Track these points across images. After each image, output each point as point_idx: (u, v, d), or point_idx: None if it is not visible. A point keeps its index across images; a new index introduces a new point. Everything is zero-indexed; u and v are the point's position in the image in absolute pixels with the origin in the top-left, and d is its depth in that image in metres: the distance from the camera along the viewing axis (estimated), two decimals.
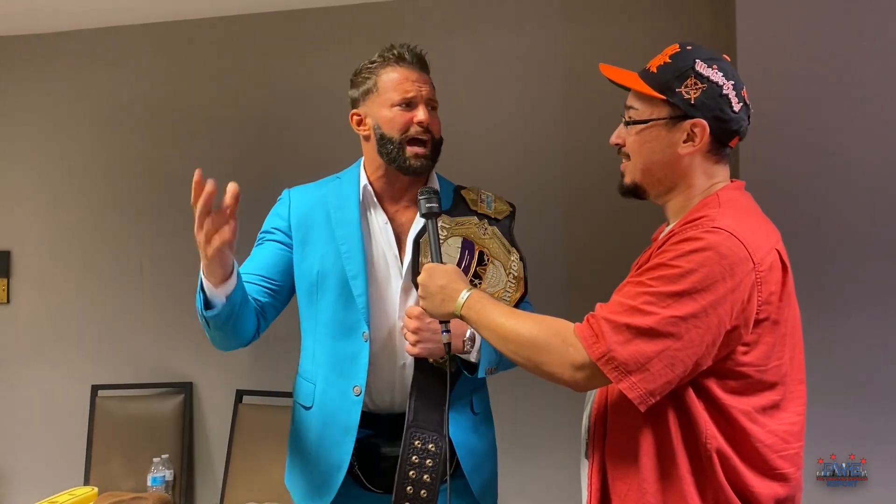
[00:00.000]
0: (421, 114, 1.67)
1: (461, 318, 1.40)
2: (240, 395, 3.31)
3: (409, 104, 1.68)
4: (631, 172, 1.38)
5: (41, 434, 3.53)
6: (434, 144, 1.71)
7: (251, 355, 3.26)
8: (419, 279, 1.48)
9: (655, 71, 1.32)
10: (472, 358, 1.63)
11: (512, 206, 1.79)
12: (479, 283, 1.66)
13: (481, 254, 1.68)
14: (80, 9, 3.28)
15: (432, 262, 1.52)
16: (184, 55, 3.45)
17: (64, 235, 3.55)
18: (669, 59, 1.31)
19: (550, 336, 1.26)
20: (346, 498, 1.70)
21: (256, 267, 1.73)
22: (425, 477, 1.60)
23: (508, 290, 1.68)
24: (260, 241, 1.79)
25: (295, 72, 3.33)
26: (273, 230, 1.77)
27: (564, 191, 3.06)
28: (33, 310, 3.57)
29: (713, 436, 1.23)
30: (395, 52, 1.71)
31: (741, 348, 1.23)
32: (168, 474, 3.18)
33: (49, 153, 3.57)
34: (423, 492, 1.60)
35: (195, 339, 3.34)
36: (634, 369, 1.18)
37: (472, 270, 1.67)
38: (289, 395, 1.91)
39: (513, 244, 1.74)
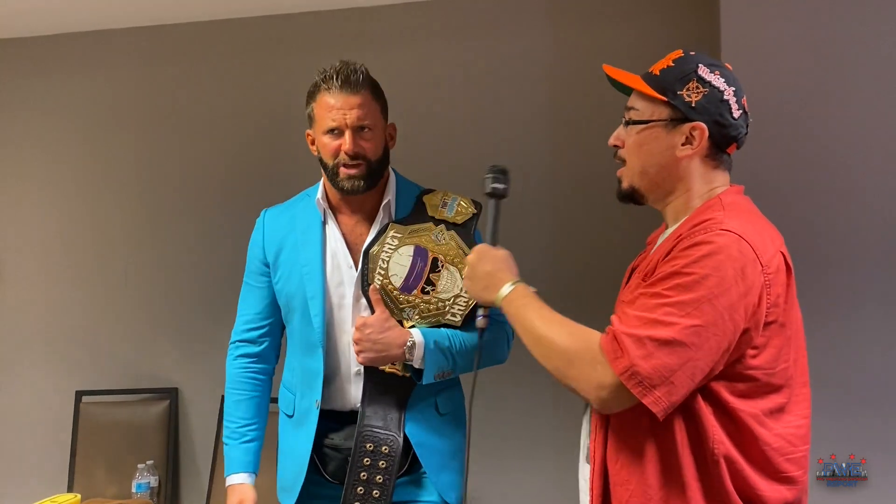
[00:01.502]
0: (346, 143, 1.70)
1: (500, 309, 1.42)
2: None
3: (336, 131, 1.71)
4: (628, 177, 1.39)
5: (24, 440, 3.49)
6: (370, 166, 1.72)
7: None
8: (468, 259, 1.49)
9: (658, 73, 1.34)
10: (416, 365, 1.67)
11: (477, 206, 1.78)
12: (432, 290, 1.71)
13: (435, 260, 1.71)
14: (71, 12, 3.24)
15: (487, 243, 1.51)
16: (176, 59, 3.41)
17: (49, 241, 3.51)
18: (673, 62, 1.34)
19: (583, 351, 1.26)
20: (312, 487, 1.77)
21: (254, 312, 1.86)
22: (377, 478, 1.67)
23: (464, 294, 1.70)
24: (248, 279, 1.88)
25: (293, 75, 3.25)
26: (254, 262, 1.86)
27: (550, 195, 3.05)
28: (17, 315, 3.52)
29: (721, 440, 1.23)
30: (326, 75, 1.72)
31: (750, 351, 1.23)
32: (153, 481, 3.17)
33: (34, 158, 3.53)
34: (374, 492, 1.66)
35: (180, 345, 3.35)
36: (659, 383, 1.18)
37: (424, 277, 1.71)
38: (274, 401, 1.92)
39: (472, 247, 1.71)
